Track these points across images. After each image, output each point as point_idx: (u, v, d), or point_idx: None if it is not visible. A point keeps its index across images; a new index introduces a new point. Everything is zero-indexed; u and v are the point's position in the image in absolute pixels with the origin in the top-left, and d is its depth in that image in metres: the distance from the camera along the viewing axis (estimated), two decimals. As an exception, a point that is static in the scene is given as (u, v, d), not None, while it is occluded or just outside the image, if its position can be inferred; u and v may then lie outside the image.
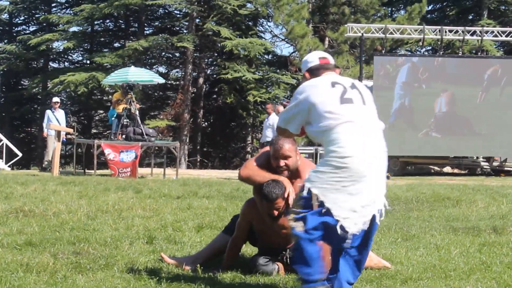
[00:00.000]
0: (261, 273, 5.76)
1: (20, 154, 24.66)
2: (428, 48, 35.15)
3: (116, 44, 38.18)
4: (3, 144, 23.97)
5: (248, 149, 35.86)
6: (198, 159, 35.30)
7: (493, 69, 22.83)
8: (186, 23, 35.04)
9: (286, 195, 5.49)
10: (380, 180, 4.92)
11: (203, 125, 38.41)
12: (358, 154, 4.78)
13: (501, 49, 36.23)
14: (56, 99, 21.91)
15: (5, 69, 36.80)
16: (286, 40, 36.97)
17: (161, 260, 6.12)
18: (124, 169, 17.15)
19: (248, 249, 6.51)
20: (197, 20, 34.56)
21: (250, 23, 36.31)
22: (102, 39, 38.77)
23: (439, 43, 23.82)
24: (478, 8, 36.06)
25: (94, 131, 40.22)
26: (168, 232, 7.69)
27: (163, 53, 36.89)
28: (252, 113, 34.90)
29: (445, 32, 23.45)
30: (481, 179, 20.28)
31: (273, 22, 35.48)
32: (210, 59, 37.81)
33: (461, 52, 24.58)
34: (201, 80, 35.94)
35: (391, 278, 5.65)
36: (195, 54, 35.15)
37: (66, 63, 40.02)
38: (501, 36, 24.11)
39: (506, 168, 24.09)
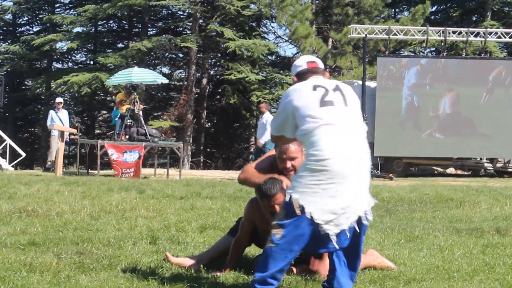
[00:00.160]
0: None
1: (23, 154, 24.68)
2: (432, 49, 35.10)
3: (120, 45, 38.22)
4: (6, 144, 24.00)
5: (252, 150, 35.82)
6: (202, 160, 35.30)
7: (498, 71, 22.83)
8: (190, 24, 35.05)
9: (285, 187, 5.47)
10: (362, 181, 4.93)
11: (207, 125, 38.41)
12: (337, 156, 4.79)
13: (505, 51, 36.19)
14: (59, 99, 21.94)
15: (9, 69, 36.82)
16: (289, 41, 36.94)
17: (165, 260, 6.12)
18: (127, 170, 17.16)
19: (252, 250, 6.51)
20: (201, 20, 34.57)
21: (253, 24, 36.33)
22: (105, 39, 38.81)
23: (442, 44, 23.80)
24: (482, 9, 36.02)
25: (98, 131, 40.27)
26: (171, 233, 7.68)
27: (167, 54, 36.91)
28: (256, 114, 34.87)
29: (449, 33, 23.44)
30: (484, 180, 20.25)
31: (276, 23, 35.48)
32: (213, 60, 37.82)
33: (464, 54, 24.55)
34: (204, 81, 35.96)
35: (394, 279, 5.65)
36: (199, 55, 35.17)
37: (70, 64, 40.10)
38: (505, 37, 24.09)
39: (509, 170, 24.07)
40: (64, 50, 38.45)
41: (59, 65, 40.21)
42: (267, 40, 36.63)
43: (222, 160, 37.71)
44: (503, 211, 10.62)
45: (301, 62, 5.39)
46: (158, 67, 36.92)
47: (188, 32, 35.28)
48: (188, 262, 6.01)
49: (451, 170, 26.79)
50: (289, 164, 5.64)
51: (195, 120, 35.21)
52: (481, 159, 24.23)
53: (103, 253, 6.43)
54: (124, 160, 17.24)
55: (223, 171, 23.47)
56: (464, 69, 22.95)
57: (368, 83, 22.91)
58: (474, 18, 37.48)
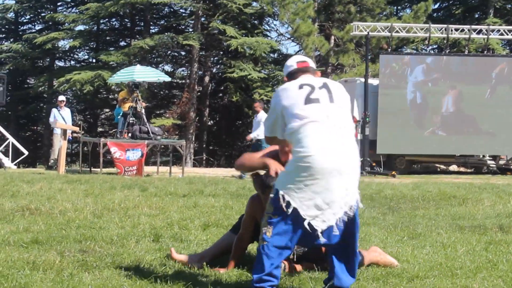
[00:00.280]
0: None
1: (26, 153, 24.69)
2: (434, 46, 35.06)
3: (122, 43, 38.20)
4: (9, 142, 24.01)
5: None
6: (204, 158, 35.30)
7: (500, 68, 22.80)
8: (192, 22, 35.03)
9: (273, 173, 5.46)
10: (348, 177, 4.94)
11: (209, 123, 38.40)
12: (320, 153, 4.84)
13: (507, 48, 36.14)
14: (61, 97, 21.94)
15: (11, 68, 36.85)
16: (291, 38, 36.93)
17: (168, 257, 6.12)
18: (130, 168, 17.17)
19: (254, 247, 6.50)
20: (203, 18, 34.56)
21: (255, 21, 36.30)
22: (108, 37, 38.78)
23: (445, 41, 23.77)
24: (484, 6, 35.96)
25: (100, 129, 40.26)
26: (174, 230, 7.69)
27: (169, 52, 36.90)
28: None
29: (451, 30, 23.42)
30: (487, 178, 20.24)
31: (278, 20, 35.49)
32: (215, 58, 37.80)
33: (467, 51, 24.53)
34: (207, 79, 35.95)
35: (397, 276, 5.65)
36: (201, 53, 35.15)
37: (72, 62, 40.10)
38: (507, 34, 24.05)
39: (512, 167, 24.06)
40: (66, 48, 38.48)
41: (61, 64, 40.24)
42: (269, 37, 36.63)
43: (224, 157, 37.70)
44: (506, 208, 10.62)
45: (291, 62, 5.43)
46: (160, 65, 36.89)
47: (190, 30, 35.27)
48: (191, 259, 6.02)
49: (453, 168, 26.78)
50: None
51: (197, 118, 35.22)
52: (483, 156, 24.22)
53: (106, 251, 6.43)
54: (126, 158, 17.26)
55: (226, 168, 23.46)
56: (467, 66, 22.94)
57: (370, 80, 22.90)
58: (476, 16, 37.44)
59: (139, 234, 7.34)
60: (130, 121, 18.34)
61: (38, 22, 40.50)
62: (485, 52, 24.60)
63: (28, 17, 40.44)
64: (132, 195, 10.80)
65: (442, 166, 27.14)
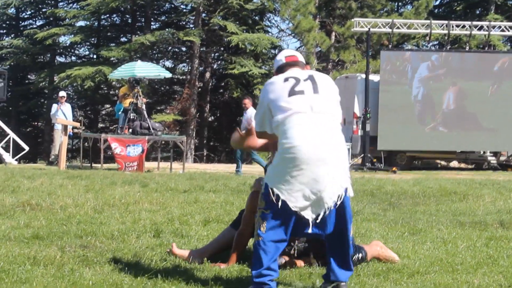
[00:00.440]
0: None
1: (27, 148, 24.67)
2: (435, 43, 35.05)
3: (123, 39, 38.18)
4: (10, 138, 23.99)
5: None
6: (205, 153, 35.31)
7: (502, 62, 22.76)
8: (193, 18, 35.02)
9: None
10: (334, 166, 4.95)
11: (210, 119, 38.40)
12: (304, 143, 4.89)
13: (508, 44, 36.13)
14: (62, 93, 21.92)
15: (12, 63, 36.84)
16: (292, 34, 36.92)
17: (169, 253, 6.12)
18: (130, 163, 17.17)
19: (255, 243, 6.51)
20: (204, 14, 34.53)
21: (256, 17, 36.25)
22: (108, 33, 38.75)
23: (446, 38, 23.75)
24: (485, 3, 35.94)
25: (101, 125, 40.25)
26: (175, 226, 7.69)
27: (170, 48, 36.86)
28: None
29: (452, 27, 23.38)
30: (488, 174, 20.25)
31: (279, 16, 35.46)
32: (216, 54, 37.79)
33: (468, 47, 24.50)
34: (207, 75, 35.93)
35: (398, 272, 5.65)
36: (202, 49, 35.12)
37: (73, 58, 40.07)
38: (508, 31, 24.02)
39: (513, 163, 24.05)
40: (67, 44, 38.46)
41: (62, 59, 40.25)
42: (270, 34, 36.60)
43: (225, 153, 37.67)
44: (507, 204, 10.63)
45: (280, 57, 5.47)
46: (161, 61, 36.89)
47: (191, 26, 35.24)
48: (191, 255, 6.01)
49: (454, 164, 26.78)
50: None
51: (198, 114, 35.21)
52: (484, 152, 24.20)
53: (107, 247, 6.44)
54: (127, 153, 17.26)
55: (226, 164, 23.47)
56: (469, 62, 22.89)
57: (371, 77, 22.86)
58: (477, 12, 37.41)
59: (139, 229, 7.34)
60: (131, 117, 18.34)
61: (39, 17, 40.49)
62: (486, 48, 24.55)
63: (29, 12, 40.46)
64: (133, 191, 10.80)
65: (443, 162, 27.15)
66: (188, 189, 11.54)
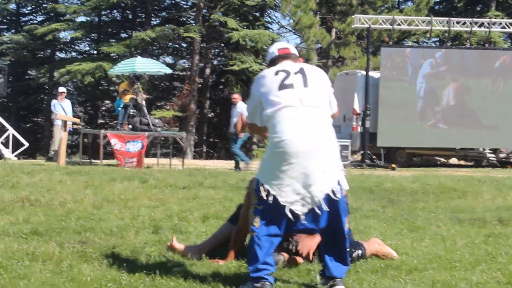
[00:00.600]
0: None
1: (26, 144, 24.69)
2: (436, 39, 35.04)
3: (123, 35, 38.17)
4: (9, 134, 24.00)
5: (254, 140, 35.84)
6: (204, 150, 35.32)
7: (503, 59, 22.75)
8: (193, 14, 35.00)
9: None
10: (324, 159, 4.94)
11: (210, 115, 38.40)
12: (293, 137, 4.89)
13: (509, 41, 36.12)
14: (62, 89, 21.93)
15: (12, 59, 36.85)
16: (293, 31, 36.91)
17: (169, 247, 6.11)
18: (130, 159, 17.18)
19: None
20: (204, 10, 34.52)
21: (257, 14, 36.24)
22: (109, 29, 38.73)
23: (446, 34, 23.72)
24: (486, -1, 35.96)
25: (101, 121, 40.23)
26: (174, 222, 7.69)
27: (170, 44, 36.85)
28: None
29: (453, 23, 23.38)
30: (487, 171, 20.22)
31: (280, 13, 35.42)
32: (217, 50, 37.78)
33: (468, 44, 24.50)
34: (207, 71, 35.93)
35: (396, 269, 5.65)
36: (202, 45, 35.11)
37: (73, 53, 40.13)
38: (509, 27, 24.02)
39: (512, 160, 24.05)
40: (67, 40, 38.47)
41: (62, 55, 40.27)
42: (270, 30, 36.57)
43: (225, 150, 37.67)
44: (506, 202, 10.63)
45: (273, 49, 5.46)
46: (161, 57, 36.88)
47: (192, 22, 35.24)
48: (190, 250, 6.01)
49: (454, 161, 26.77)
50: None
51: (198, 110, 35.20)
52: (484, 149, 24.20)
53: (106, 243, 6.44)
54: (127, 149, 17.26)
55: (226, 161, 23.47)
56: (470, 59, 22.87)
57: (371, 73, 22.87)
58: (478, 8, 37.42)
59: (138, 225, 7.35)
60: (131, 113, 18.35)
61: (39, 13, 40.53)
62: (487, 45, 24.53)
63: (29, 8, 40.47)
64: (132, 187, 10.79)
65: (442, 159, 27.13)
66: (187, 185, 11.52)
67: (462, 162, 26.34)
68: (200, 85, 35.42)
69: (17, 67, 38.30)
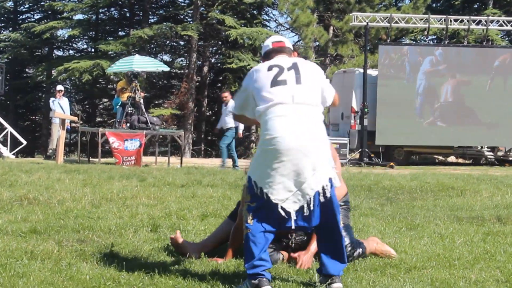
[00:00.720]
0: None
1: (24, 142, 24.68)
2: (433, 37, 35.05)
3: (121, 33, 38.11)
4: (7, 132, 24.00)
5: (253, 138, 35.86)
6: (203, 148, 35.30)
7: (503, 58, 22.75)
8: (191, 12, 34.96)
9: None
10: (315, 157, 4.94)
11: (208, 113, 38.38)
12: (285, 134, 4.89)
13: (506, 39, 36.12)
14: (60, 87, 21.93)
15: (10, 57, 36.77)
16: (290, 29, 36.88)
17: (172, 239, 6.08)
18: (128, 158, 17.17)
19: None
20: (202, 8, 34.46)
21: (254, 11, 36.21)
22: (106, 27, 38.68)
23: (444, 32, 23.74)
24: (484, -3, 35.95)
25: (99, 119, 40.21)
26: (173, 220, 7.69)
27: (168, 42, 36.82)
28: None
29: (450, 21, 23.37)
30: (485, 169, 20.25)
31: (277, 10, 35.38)
32: (214, 48, 37.74)
33: (466, 42, 24.51)
34: (205, 69, 35.91)
35: (395, 267, 5.65)
36: (200, 43, 35.09)
37: (71, 51, 40.03)
38: (507, 25, 24.03)
39: (510, 158, 24.07)
40: (65, 38, 38.40)
41: (60, 53, 40.21)
42: (268, 28, 36.54)
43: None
44: (504, 200, 10.64)
45: (268, 42, 5.46)
46: (159, 55, 36.86)
47: (189, 20, 35.19)
48: (191, 248, 6.00)
49: (452, 159, 26.79)
50: None
51: (196, 108, 35.17)
52: (482, 147, 24.22)
53: (104, 241, 6.44)
54: (125, 148, 17.26)
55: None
56: (467, 57, 22.87)
57: (369, 71, 22.88)
58: (475, 6, 37.40)
59: (137, 224, 7.35)
60: (129, 111, 18.34)
61: (37, 11, 40.38)
62: (484, 43, 24.54)
63: (27, 6, 40.35)
64: (130, 185, 10.80)
65: (441, 157, 27.16)
66: (185, 183, 11.53)
67: (460, 160, 26.36)
68: (198, 83, 35.39)
69: (15, 65, 38.24)
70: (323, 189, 4.96)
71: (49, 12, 37.43)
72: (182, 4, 36.82)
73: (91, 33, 37.94)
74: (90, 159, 19.89)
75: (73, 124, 21.45)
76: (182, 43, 37.25)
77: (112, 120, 22.05)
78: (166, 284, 5.07)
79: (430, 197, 11.07)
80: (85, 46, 40.16)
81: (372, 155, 21.92)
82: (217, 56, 38.37)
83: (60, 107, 20.74)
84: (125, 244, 6.32)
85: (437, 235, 7.20)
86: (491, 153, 24.22)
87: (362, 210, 9.10)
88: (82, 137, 20.43)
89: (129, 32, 35.20)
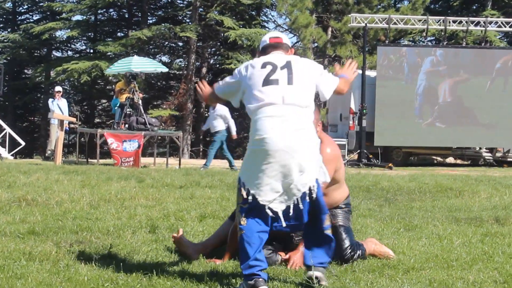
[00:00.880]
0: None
1: (23, 143, 24.65)
2: (431, 38, 35.05)
3: (120, 33, 38.14)
4: (6, 133, 23.97)
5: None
6: (201, 149, 35.30)
7: (504, 59, 22.75)
8: (189, 13, 34.97)
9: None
10: (302, 159, 4.95)
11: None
12: (273, 135, 4.91)
13: (505, 40, 36.14)
14: (58, 88, 21.92)
15: (8, 58, 36.79)
16: (289, 30, 36.87)
17: (174, 238, 6.08)
18: (127, 159, 17.17)
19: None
20: (200, 9, 34.48)
21: (253, 12, 36.23)
22: (105, 28, 38.71)
23: (442, 33, 23.74)
24: (482, -2, 35.97)
25: (97, 120, 40.22)
26: (171, 222, 7.69)
27: (166, 43, 36.83)
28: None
29: (449, 22, 23.37)
30: (483, 170, 20.25)
31: (276, 12, 35.41)
32: (213, 49, 37.75)
33: (464, 43, 24.51)
34: (204, 70, 35.91)
35: (393, 268, 5.66)
36: (198, 44, 35.10)
37: (70, 52, 40.05)
38: (505, 26, 24.04)
39: (509, 159, 24.06)
40: (64, 39, 38.40)
41: (58, 54, 40.24)
42: (267, 29, 36.55)
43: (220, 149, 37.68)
44: (502, 201, 10.64)
45: (265, 38, 5.48)
46: (157, 56, 36.88)
47: (188, 21, 35.21)
48: (192, 249, 5.99)
49: (450, 160, 26.80)
50: None
51: (194, 109, 35.19)
52: (480, 148, 24.22)
53: (103, 242, 6.44)
54: (123, 149, 17.26)
55: (223, 160, 23.46)
56: (466, 58, 22.86)
57: (368, 72, 22.88)
58: (474, 7, 37.42)
59: (135, 225, 7.35)
60: (127, 112, 18.34)
61: (36, 12, 40.40)
62: (483, 44, 24.54)
63: (25, 7, 40.37)
64: (129, 186, 10.79)
65: (439, 158, 27.17)
66: (184, 184, 11.53)
67: (458, 161, 26.37)
68: (196, 84, 35.33)
69: (13, 66, 38.27)
70: (310, 190, 4.99)
71: (48, 13, 37.45)
72: (181, 5, 36.84)
73: (89, 34, 37.96)
74: (89, 160, 19.88)
75: (72, 125, 21.44)
76: (180, 44, 37.28)
77: (111, 121, 22.07)
78: (164, 285, 5.07)
79: (428, 198, 11.07)
80: (83, 47, 40.22)
81: (371, 156, 21.92)
82: (216, 57, 38.39)
83: (59, 108, 20.73)
84: (123, 245, 6.32)
85: (435, 236, 7.20)
86: (490, 154, 24.23)
87: (361, 211, 9.10)
88: (81, 138, 20.44)
89: (127, 33, 35.23)
